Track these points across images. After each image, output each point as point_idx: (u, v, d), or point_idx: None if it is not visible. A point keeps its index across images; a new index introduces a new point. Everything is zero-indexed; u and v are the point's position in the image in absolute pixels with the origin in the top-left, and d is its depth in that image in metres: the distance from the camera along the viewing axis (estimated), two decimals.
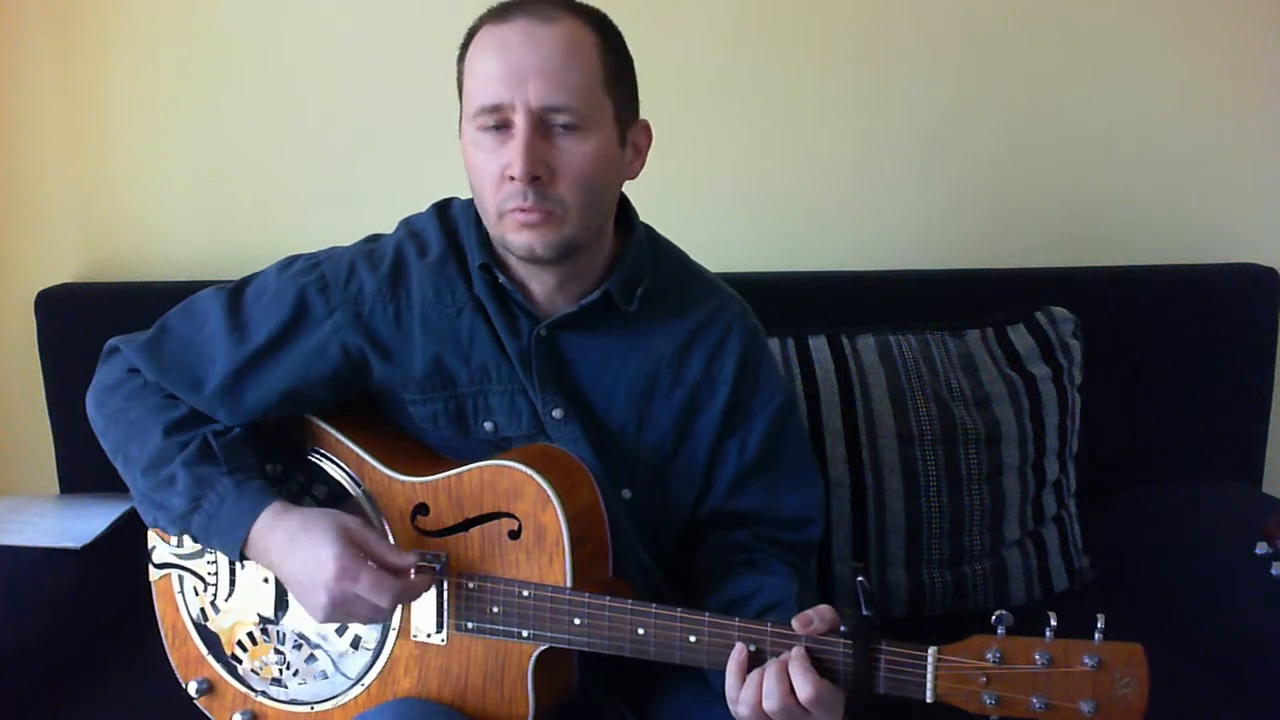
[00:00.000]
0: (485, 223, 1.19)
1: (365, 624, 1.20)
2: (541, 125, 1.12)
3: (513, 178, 1.11)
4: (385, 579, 1.11)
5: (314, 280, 1.23)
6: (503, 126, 1.12)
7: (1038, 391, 1.76)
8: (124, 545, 1.47)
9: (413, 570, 1.14)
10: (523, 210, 1.12)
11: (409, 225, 1.29)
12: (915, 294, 1.92)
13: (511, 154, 1.11)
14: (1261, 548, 1.08)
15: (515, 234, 1.14)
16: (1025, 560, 1.75)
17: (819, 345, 1.77)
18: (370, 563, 1.12)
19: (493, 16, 1.15)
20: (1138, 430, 1.93)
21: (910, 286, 1.93)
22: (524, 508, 1.15)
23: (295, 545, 1.14)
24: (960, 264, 1.98)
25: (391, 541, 1.20)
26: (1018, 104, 2.00)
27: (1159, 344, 1.92)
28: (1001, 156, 2.03)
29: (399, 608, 1.19)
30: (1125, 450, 1.93)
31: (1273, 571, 1.06)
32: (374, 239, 1.30)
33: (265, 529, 1.16)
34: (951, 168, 2.02)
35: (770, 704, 1.02)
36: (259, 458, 1.24)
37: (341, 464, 1.25)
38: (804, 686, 1.01)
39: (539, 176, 1.11)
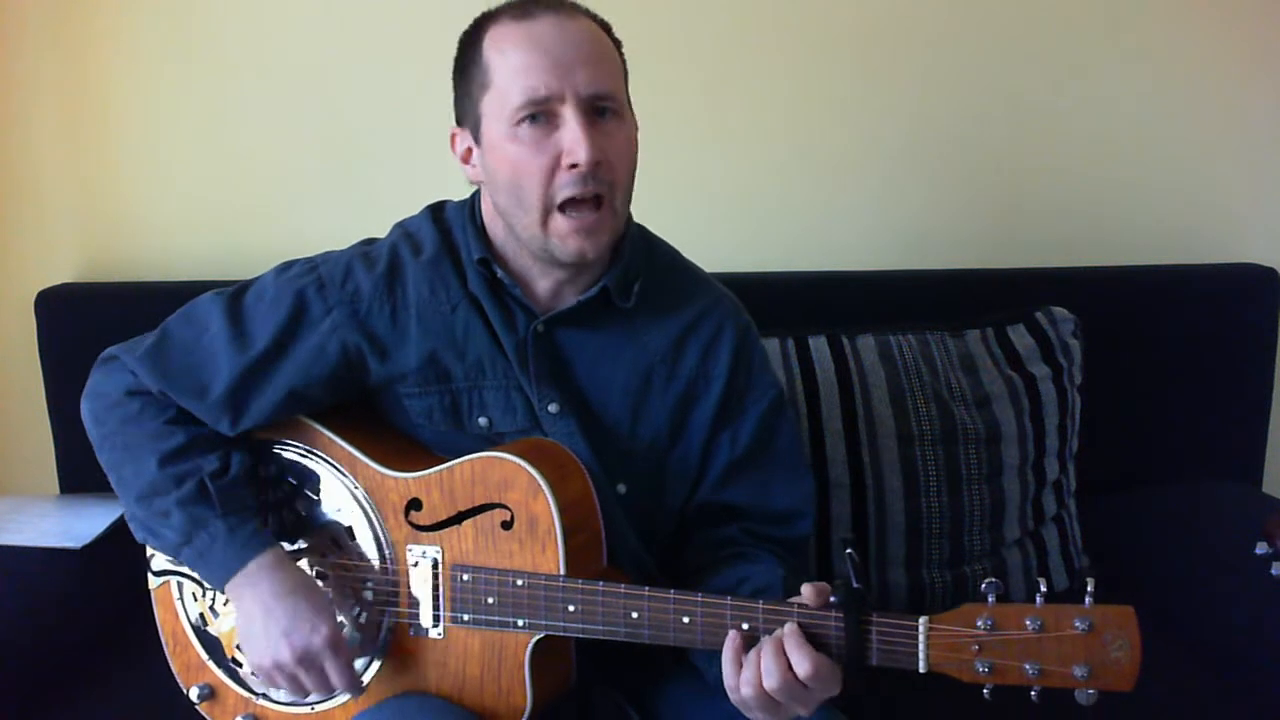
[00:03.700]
0: (521, 222, 1.18)
1: (294, 692, 1.21)
2: (590, 112, 1.14)
3: (573, 165, 1.13)
4: (353, 673, 1.19)
5: (311, 282, 1.24)
6: (544, 118, 1.14)
7: (1038, 391, 1.76)
8: (124, 545, 1.47)
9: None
10: (575, 205, 1.14)
11: (403, 227, 1.30)
12: (915, 294, 1.92)
13: (570, 141, 1.13)
14: (1261, 548, 1.08)
15: (563, 241, 1.16)
16: (1025, 560, 1.74)
17: (819, 345, 1.77)
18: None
19: (510, 14, 1.17)
20: (1138, 430, 1.93)
21: (910, 286, 1.93)
22: (515, 498, 1.15)
23: (294, 597, 1.17)
24: (960, 264, 1.98)
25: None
26: (1018, 104, 2.01)
27: (1159, 344, 1.92)
28: (1002, 156, 2.03)
29: (395, 600, 1.21)
30: (1125, 450, 1.93)
31: (1273, 571, 1.06)
32: (369, 242, 1.30)
33: (259, 570, 1.18)
34: (952, 168, 2.03)
35: (771, 682, 1.01)
36: (255, 486, 1.25)
37: (335, 463, 1.25)
38: (801, 663, 1.01)
39: (599, 161, 1.14)
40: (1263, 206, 2.05)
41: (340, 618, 1.22)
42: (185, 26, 1.95)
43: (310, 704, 1.25)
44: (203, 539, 1.19)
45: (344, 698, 1.23)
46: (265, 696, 1.28)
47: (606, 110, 1.15)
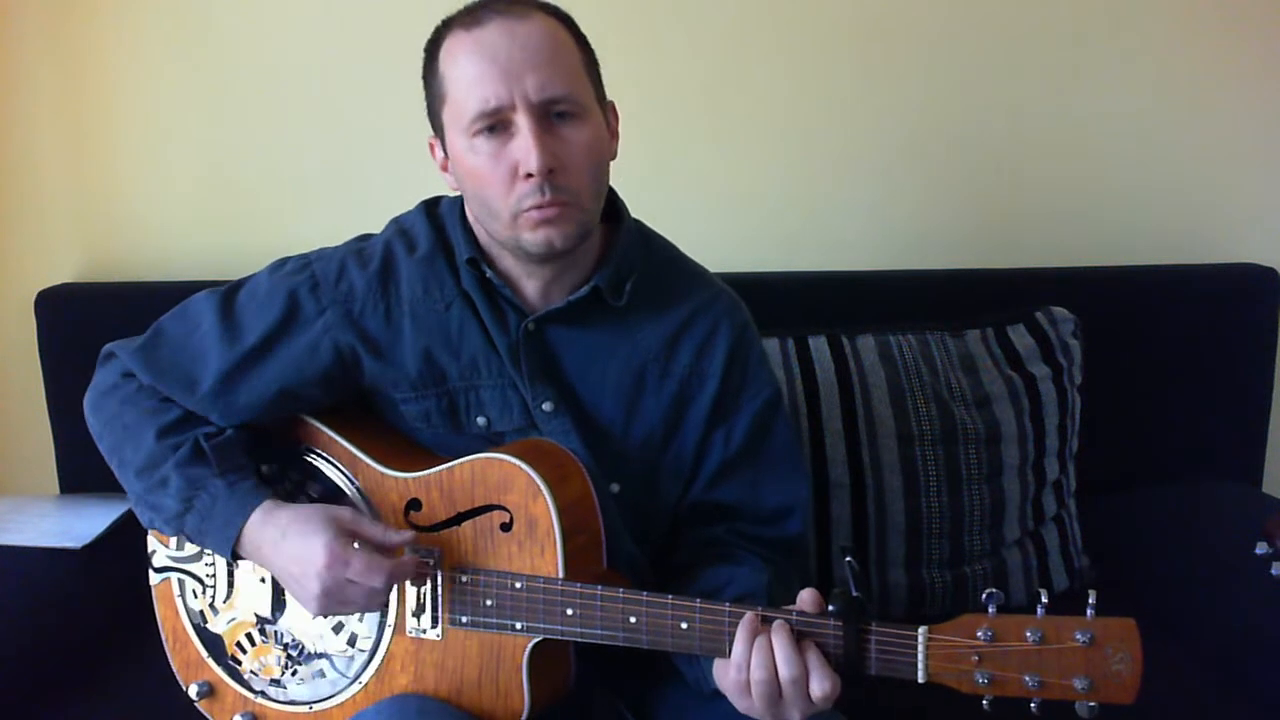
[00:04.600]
0: (492, 228, 1.18)
1: (361, 612, 1.20)
2: (543, 118, 1.12)
3: (529, 175, 1.11)
4: (376, 560, 1.13)
5: (305, 280, 1.24)
6: (500, 128, 1.13)
7: (1038, 391, 1.76)
8: (124, 545, 1.47)
9: (406, 550, 1.16)
10: (540, 207, 1.13)
11: (398, 223, 1.29)
12: (915, 294, 1.92)
13: (522, 151, 1.11)
14: (1261, 548, 1.08)
15: (532, 232, 1.14)
16: (1025, 560, 1.74)
17: (819, 345, 1.77)
18: (361, 547, 1.13)
19: (460, 22, 1.16)
20: (1138, 430, 1.93)
21: (910, 286, 1.93)
22: (514, 499, 1.15)
23: (287, 539, 1.15)
24: (960, 264, 1.98)
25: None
26: (1018, 104, 2.00)
27: (1159, 344, 1.92)
28: (1002, 157, 2.03)
29: (393, 600, 1.20)
30: (1125, 450, 1.93)
31: (1273, 571, 1.06)
32: (364, 238, 1.30)
33: (257, 526, 1.17)
34: (952, 167, 2.02)
35: (788, 672, 1.01)
36: (252, 457, 1.24)
37: (335, 461, 1.25)
38: (822, 682, 1.01)
39: (553, 168, 1.12)
40: (1263, 206, 2.05)
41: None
42: (186, 27, 1.95)
43: (308, 703, 1.25)
44: (203, 500, 1.18)
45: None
46: (264, 695, 1.28)
47: (563, 113, 1.13)
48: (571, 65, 1.15)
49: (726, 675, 1.07)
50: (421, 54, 1.25)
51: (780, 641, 1.03)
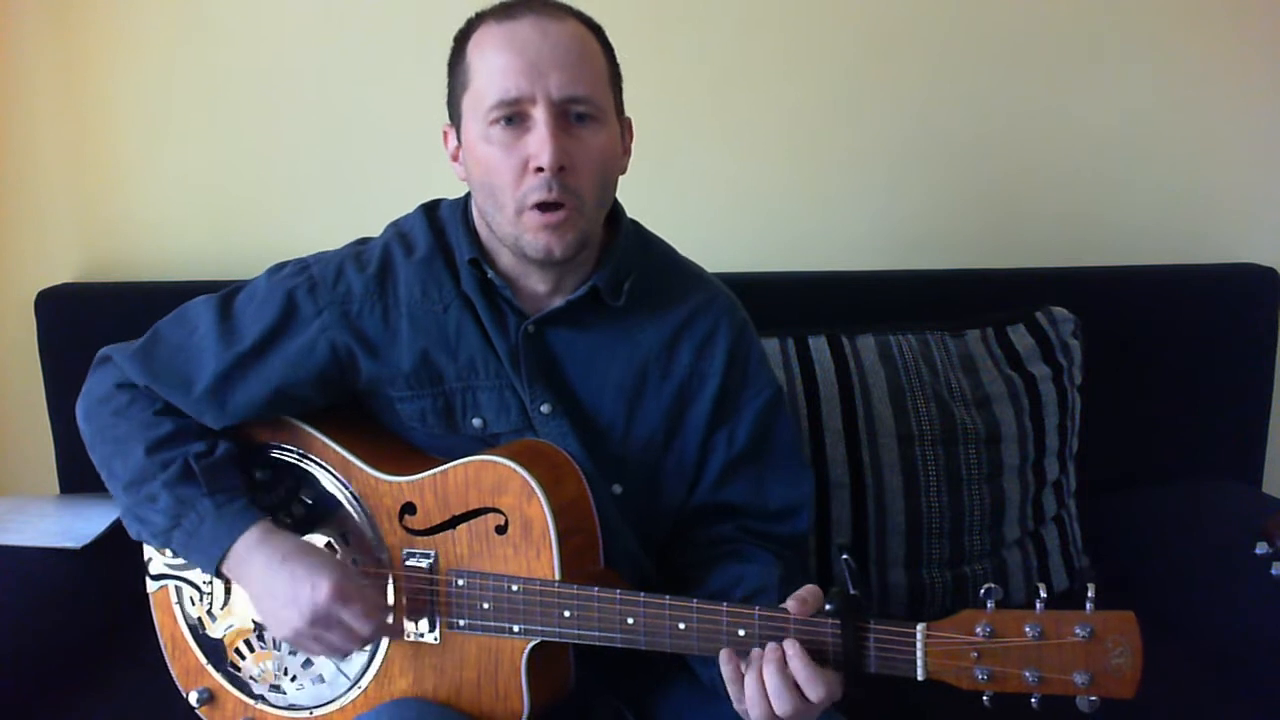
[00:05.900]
0: (496, 220, 1.18)
1: (331, 654, 1.19)
2: (561, 116, 1.14)
3: (539, 169, 1.12)
4: (375, 608, 1.16)
5: (302, 282, 1.24)
6: (517, 120, 1.14)
7: (1038, 391, 1.76)
8: (124, 546, 1.47)
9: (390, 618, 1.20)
10: (544, 206, 1.13)
11: (396, 226, 1.30)
12: (915, 294, 1.92)
13: (536, 145, 1.12)
14: (1261, 548, 1.08)
15: (534, 236, 1.15)
16: (1025, 560, 1.74)
17: (819, 345, 1.77)
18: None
19: (495, 16, 1.17)
20: (1138, 430, 1.93)
21: (910, 286, 1.93)
22: (509, 502, 1.14)
23: (287, 564, 1.15)
24: (960, 264, 1.98)
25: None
26: (1018, 104, 2.00)
27: (1159, 344, 1.92)
28: (1002, 156, 2.03)
29: (390, 604, 1.20)
30: (1125, 450, 1.93)
31: (1273, 571, 1.06)
32: (362, 242, 1.30)
33: (248, 548, 1.18)
34: (951, 167, 2.02)
35: (783, 707, 1.01)
36: (243, 475, 1.24)
37: (328, 466, 1.25)
38: (815, 688, 1.01)
39: (564, 166, 1.13)
40: (1263, 206, 2.05)
41: (347, 562, 1.20)
42: (185, 27, 1.95)
43: (309, 708, 1.25)
44: (191, 519, 1.19)
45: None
46: (264, 701, 1.28)
47: (583, 115, 1.14)
48: (596, 71, 1.17)
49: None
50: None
51: (770, 672, 1.02)
